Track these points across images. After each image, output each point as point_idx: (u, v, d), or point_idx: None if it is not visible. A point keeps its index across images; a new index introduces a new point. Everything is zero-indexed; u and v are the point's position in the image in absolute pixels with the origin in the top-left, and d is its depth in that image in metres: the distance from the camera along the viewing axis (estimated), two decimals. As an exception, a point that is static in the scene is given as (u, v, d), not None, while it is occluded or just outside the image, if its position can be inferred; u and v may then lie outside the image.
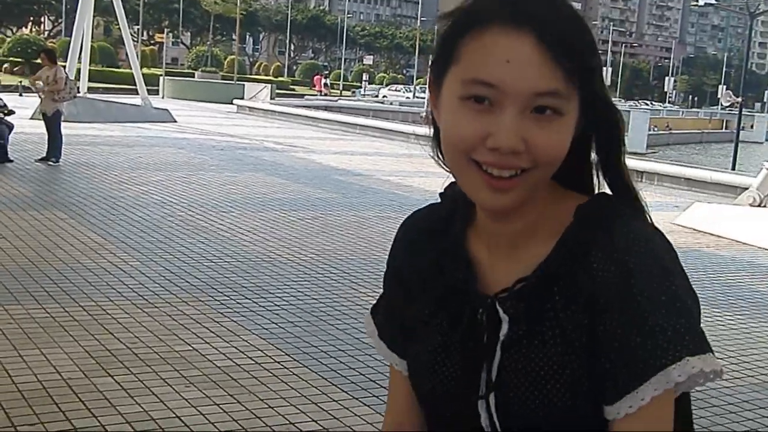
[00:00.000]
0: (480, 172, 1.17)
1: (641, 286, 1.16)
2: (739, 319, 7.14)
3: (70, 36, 24.43)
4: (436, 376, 1.29)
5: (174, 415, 4.41)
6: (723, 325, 6.82)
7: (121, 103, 24.68)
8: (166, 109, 25.61)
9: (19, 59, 48.89)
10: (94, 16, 25.28)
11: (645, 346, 1.16)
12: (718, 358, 1.18)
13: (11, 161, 12.78)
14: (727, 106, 62.58)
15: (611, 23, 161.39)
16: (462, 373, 1.26)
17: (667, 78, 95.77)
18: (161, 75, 44.08)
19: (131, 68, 26.83)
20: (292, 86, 64.93)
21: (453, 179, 1.29)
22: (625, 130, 1.28)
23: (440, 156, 1.28)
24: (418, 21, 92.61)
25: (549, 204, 1.25)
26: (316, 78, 63.58)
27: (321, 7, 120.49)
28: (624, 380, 1.16)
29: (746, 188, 12.74)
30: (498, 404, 1.23)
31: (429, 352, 1.30)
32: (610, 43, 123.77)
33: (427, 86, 1.32)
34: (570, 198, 1.25)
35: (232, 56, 65.13)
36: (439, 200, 1.39)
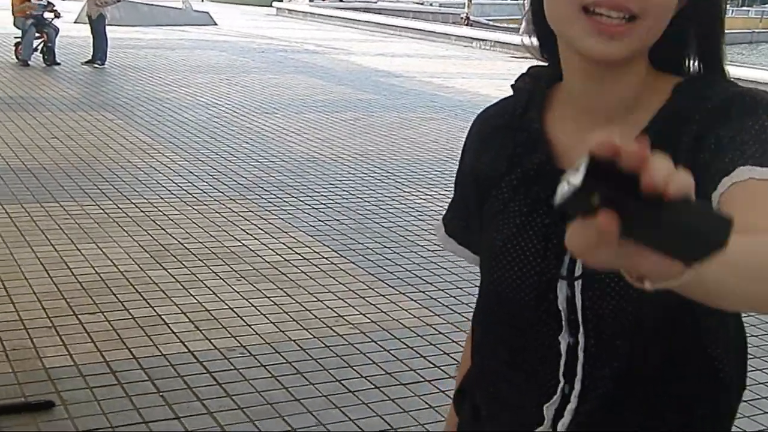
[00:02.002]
0: (590, 20, 1.15)
1: (750, 123, 1.12)
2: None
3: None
4: (512, 259, 1.27)
5: (226, 306, 4.58)
6: None
7: (162, 6, 24.60)
8: (207, 12, 25.50)
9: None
10: None
11: (745, 143, 1.10)
12: None
13: (59, 64, 12.90)
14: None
15: None
16: (541, 255, 1.25)
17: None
18: (200, -23, 43.64)
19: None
20: (331, -12, 63.90)
21: (522, 72, 1.28)
22: (725, 12, 1.24)
23: (535, 26, 1.26)
24: None
25: (647, 82, 1.23)
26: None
27: None
28: (720, 170, 1.10)
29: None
30: (584, 287, 1.21)
31: (506, 236, 1.28)
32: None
33: None
34: (667, 79, 1.24)
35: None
36: (511, 93, 1.36)
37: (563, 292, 1.23)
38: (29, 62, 12.74)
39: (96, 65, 13.09)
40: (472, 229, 1.39)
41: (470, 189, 1.38)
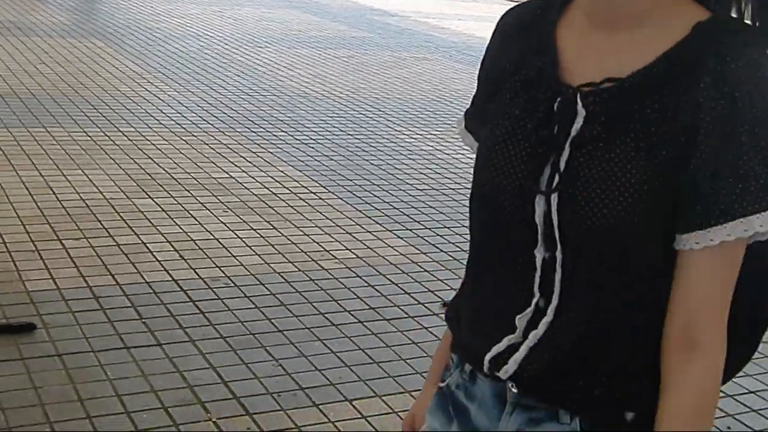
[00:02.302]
0: None
1: (747, 127, 1.12)
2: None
3: None
4: (499, 164, 1.26)
5: (212, 237, 4.56)
6: None
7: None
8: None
9: None
10: None
11: (732, 189, 1.13)
12: None
13: (47, -11, 12.69)
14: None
15: None
16: (526, 163, 1.23)
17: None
18: None
19: None
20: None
21: None
22: None
23: None
24: None
25: (662, 2, 1.19)
26: None
27: None
28: (700, 215, 1.14)
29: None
30: (560, 202, 1.19)
31: (497, 139, 1.27)
32: None
33: None
34: (690, 8, 1.20)
35: None
36: None
37: (540, 205, 1.21)
38: (19, -14, 12.53)
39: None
40: (482, 125, 1.37)
41: (483, 87, 1.36)
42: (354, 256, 4.54)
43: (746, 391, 3.55)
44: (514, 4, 1.37)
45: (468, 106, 1.44)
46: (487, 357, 1.30)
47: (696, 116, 1.13)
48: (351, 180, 5.73)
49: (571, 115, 1.19)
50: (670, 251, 1.18)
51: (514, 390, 1.29)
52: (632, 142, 1.16)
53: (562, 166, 1.19)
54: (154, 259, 4.22)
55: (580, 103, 1.19)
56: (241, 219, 4.85)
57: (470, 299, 1.38)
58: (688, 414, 1.19)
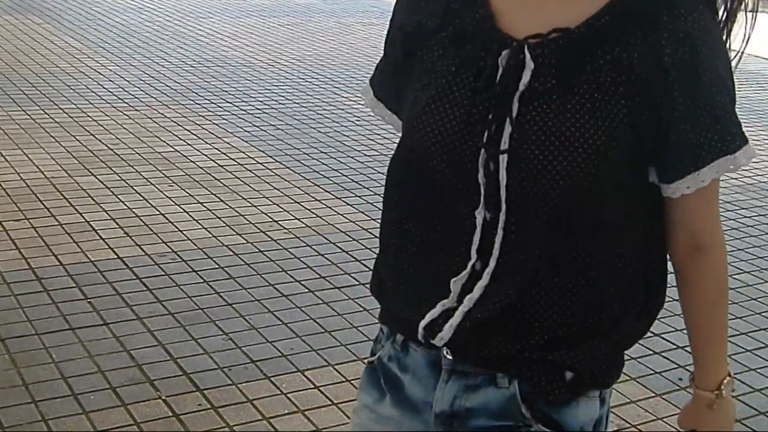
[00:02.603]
0: None
1: (711, 72, 1.14)
2: None
3: None
4: (432, 124, 1.19)
5: (158, 212, 4.48)
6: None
7: None
8: None
9: None
10: None
11: (713, 130, 1.16)
12: None
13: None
14: None
15: None
16: (465, 122, 1.17)
17: None
18: None
19: None
20: None
21: None
22: None
23: None
24: None
25: None
26: None
27: None
28: (688, 163, 1.17)
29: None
30: (510, 160, 1.15)
31: (431, 96, 1.21)
32: None
33: None
34: None
35: None
36: None
37: (485, 165, 1.16)
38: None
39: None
40: (400, 93, 1.30)
41: (399, 49, 1.29)
42: (303, 225, 4.49)
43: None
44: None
45: (373, 74, 1.38)
46: (421, 324, 1.26)
47: (658, 70, 1.12)
48: (298, 149, 5.66)
49: (518, 68, 1.14)
50: (618, 210, 1.18)
51: (449, 357, 1.26)
52: (586, 94, 1.13)
53: (507, 124, 1.14)
54: (98, 238, 4.13)
55: (528, 55, 1.14)
56: (187, 193, 4.77)
57: (397, 267, 1.32)
58: (711, 297, 1.31)
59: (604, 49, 1.13)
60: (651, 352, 3.45)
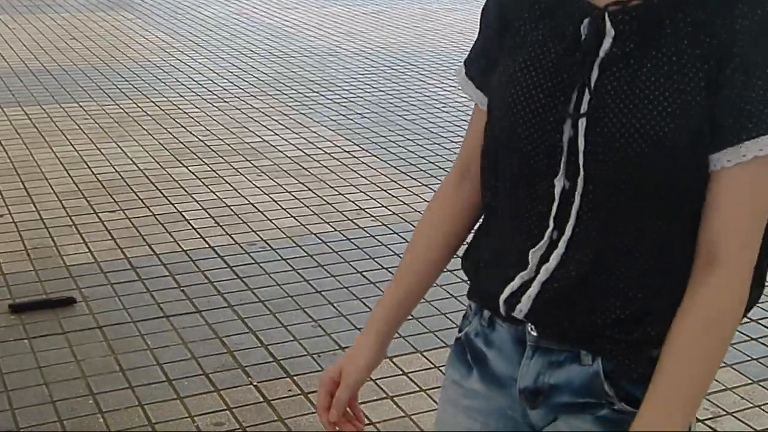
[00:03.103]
0: None
1: None
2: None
3: None
4: (520, 91, 1.21)
5: (247, 202, 4.54)
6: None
7: None
8: None
9: None
10: None
11: (765, 104, 1.10)
12: None
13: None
14: None
15: None
16: (551, 88, 1.19)
17: None
18: None
19: None
20: None
21: None
22: None
23: None
24: None
25: None
26: None
27: None
28: (730, 132, 1.12)
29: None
30: (589, 126, 1.15)
31: (520, 65, 1.22)
32: None
33: None
34: None
35: None
36: None
37: (567, 131, 1.17)
38: (47, -36, 12.55)
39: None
40: (489, 72, 1.32)
41: (494, 25, 1.30)
42: (390, 212, 4.50)
43: None
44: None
45: (468, 54, 1.39)
46: (501, 297, 1.28)
47: (732, 36, 1.10)
48: (385, 136, 5.67)
49: (599, 35, 1.16)
50: (697, 177, 1.15)
51: (534, 333, 1.27)
52: (664, 57, 1.13)
53: (592, 89, 1.15)
54: (190, 227, 4.21)
55: (608, 23, 1.15)
56: (275, 182, 4.82)
57: (484, 243, 1.35)
58: (697, 333, 1.15)
59: (685, 12, 1.12)
60: (748, 338, 3.36)
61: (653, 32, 1.13)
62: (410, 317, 3.43)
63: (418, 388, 3.04)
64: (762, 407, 2.98)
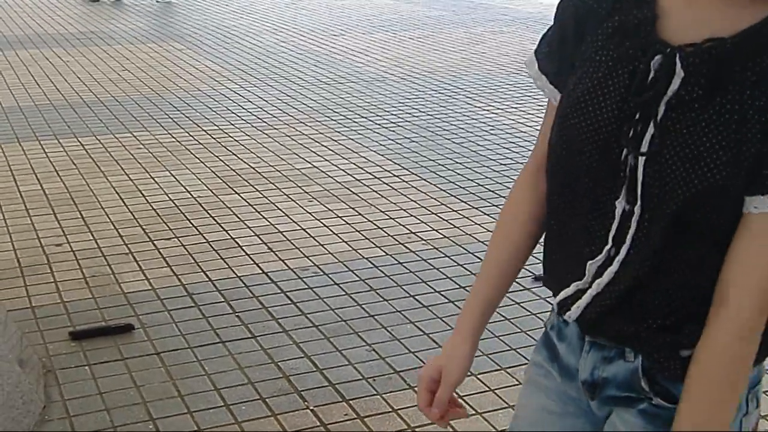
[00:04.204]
0: None
1: None
2: None
3: None
4: (588, 110, 1.25)
5: (299, 227, 4.59)
6: None
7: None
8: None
9: None
10: None
11: None
12: None
13: (125, -3, 12.94)
14: None
15: None
16: (616, 116, 1.22)
17: None
18: None
19: None
20: None
21: None
22: None
23: None
24: None
25: None
26: None
27: None
28: (764, 179, 1.14)
29: None
30: (649, 161, 1.19)
31: (587, 87, 1.26)
32: None
33: None
34: None
35: None
36: None
37: (630, 159, 1.22)
38: (98, -3, 12.82)
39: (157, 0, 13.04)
40: (564, 69, 1.35)
41: (571, 29, 1.33)
42: (441, 236, 4.51)
43: None
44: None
45: (539, 46, 1.42)
46: (556, 300, 1.38)
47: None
48: (433, 160, 5.70)
49: (669, 74, 1.18)
50: (740, 215, 1.19)
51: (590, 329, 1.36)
52: (728, 104, 1.14)
53: (657, 126, 1.19)
54: (244, 253, 4.27)
55: (679, 64, 1.17)
56: (326, 207, 4.87)
57: (551, 247, 1.42)
58: (712, 373, 1.22)
59: (754, 61, 1.13)
60: None
61: (722, 77, 1.15)
62: (492, 335, 3.46)
63: (474, 412, 3.04)
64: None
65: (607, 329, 1.32)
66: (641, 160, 1.20)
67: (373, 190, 5.14)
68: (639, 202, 1.22)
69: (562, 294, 1.36)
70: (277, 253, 4.28)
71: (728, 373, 1.22)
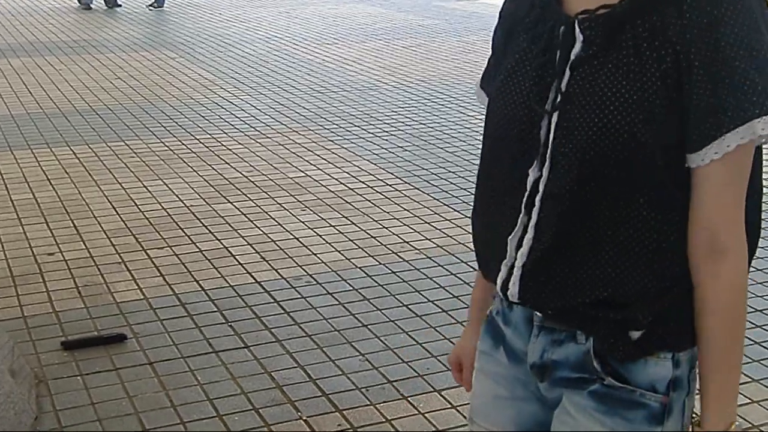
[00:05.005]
0: None
1: (730, 38, 1.20)
2: None
3: None
4: (509, 91, 1.35)
5: (292, 237, 4.59)
6: None
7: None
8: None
9: None
10: None
11: (734, 96, 1.20)
12: None
13: (120, 6, 12.93)
14: None
15: None
16: (533, 88, 1.33)
17: None
18: None
19: None
20: None
21: None
22: None
23: None
24: None
25: None
26: None
27: None
28: (711, 128, 1.22)
29: None
30: (558, 122, 1.29)
31: (508, 70, 1.37)
32: None
33: None
34: None
35: None
36: None
37: (544, 127, 1.31)
38: (91, 5, 12.80)
39: (151, 8, 13.02)
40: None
41: (501, 39, 1.46)
42: (434, 245, 4.51)
43: None
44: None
45: (485, 68, 1.53)
46: (497, 284, 1.41)
47: (682, 34, 1.21)
48: (426, 169, 5.70)
49: (570, 40, 1.30)
50: (667, 170, 1.25)
51: (539, 314, 1.40)
52: (624, 58, 1.25)
53: (563, 88, 1.29)
54: (237, 263, 4.26)
55: (578, 29, 1.29)
56: (319, 216, 4.87)
57: (478, 234, 1.48)
58: (724, 307, 1.29)
59: (643, 18, 1.24)
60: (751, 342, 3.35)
61: (615, 36, 1.26)
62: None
63: (467, 423, 3.03)
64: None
65: (548, 304, 1.36)
66: (553, 126, 1.29)
67: (366, 199, 5.14)
68: (548, 163, 1.30)
69: (498, 279, 1.40)
70: (270, 262, 4.27)
71: (742, 306, 1.31)
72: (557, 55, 1.31)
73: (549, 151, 1.30)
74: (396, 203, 5.09)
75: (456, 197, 5.19)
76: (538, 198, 1.32)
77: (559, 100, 1.29)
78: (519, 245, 1.35)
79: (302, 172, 5.62)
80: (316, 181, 5.45)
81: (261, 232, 4.64)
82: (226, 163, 5.78)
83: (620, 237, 1.28)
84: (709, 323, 1.29)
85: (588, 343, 1.36)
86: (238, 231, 4.65)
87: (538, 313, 1.40)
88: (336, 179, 5.49)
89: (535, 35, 1.35)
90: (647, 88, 1.23)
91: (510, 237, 1.36)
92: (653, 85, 1.23)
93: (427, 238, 4.60)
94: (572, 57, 1.29)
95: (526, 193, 1.33)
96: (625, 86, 1.24)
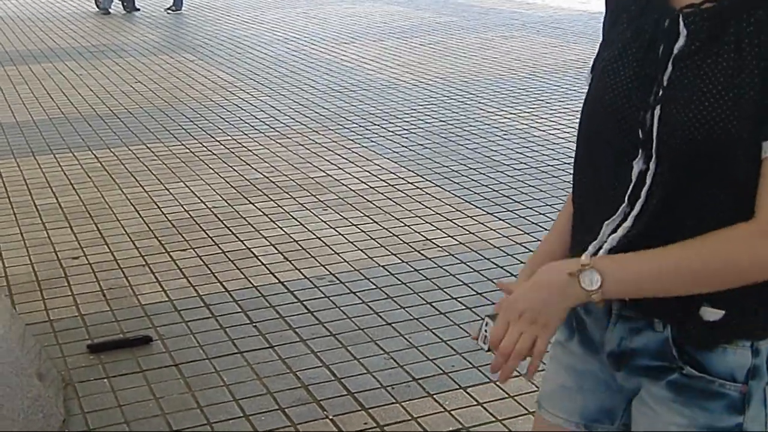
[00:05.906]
0: None
1: None
2: None
3: None
4: (610, 80, 1.37)
5: (314, 236, 4.59)
6: None
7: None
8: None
9: None
10: None
11: None
12: None
13: (138, 10, 13.00)
14: None
15: None
16: (634, 80, 1.34)
17: None
18: None
19: None
20: None
21: None
22: None
23: None
24: None
25: None
26: None
27: None
28: None
29: None
30: (661, 116, 1.29)
31: (610, 58, 1.39)
32: None
33: None
34: None
35: None
36: None
37: (646, 120, 1.32)
38: (110, 10, 12.88)
39: (169, 11, 13.06)
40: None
41: (606, 23, 1.48)
42: (456, 242, 4.51)
43: None
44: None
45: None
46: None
47: None
48: (447, 166, 5.69)
49: (674, 34, 1.30)
50: (754, 164, 1.26)
51: (617, 302, 1.42)
52: (725, 54, 1.26)
53: (665, 82, 1.30)
54: (260, 263, 4.27)
55: (682, 23, 1.30)
56: (341, 216, 4.87)
57: (575, 217, 1.50)
58: (706, 241, 1.29)
59: (749, 12, 1.24)
60: None
61: (718, 31, 1.26)
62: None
63: (493, 419, 3.03)
64: None
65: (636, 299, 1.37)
66: (656, 118, 1.30)
67: (387, 198, 5.14)
68: (654, 157, 1.31)
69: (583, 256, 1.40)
70: (292, 262, 4.28)
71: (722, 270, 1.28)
72: (660, 49, 1.32)
73: (654, 144, 1.31)
74: (417, 201, 5.09)
75: (477, 194, 5.18)
76: (644, 190, 1.33)
77: (660, 94, 1.30)
78: (614, 231, 1.37)
79: (323, 171, 5.63)
80: (337, 180, 5.46)
81: (283, 233, 4.65)
82: (247, 164, 5.80)
83: (702, 227, 1.29)
84: (691, 243, 1.31)
85: (666, 331, 1.37)
86: (261, 232, 4.66)
87: (616, 302, 1.42)
88: (357, 178, 5.49)
89: (639, 27, 1.36)
90: (744, 85, 1.24)
91: (607, 222, 1.38)
92: (751, 81, 1.24)
93: (449, 236, 4.59)
94: (675, 51, 1.30)
95: (631, 185, 1.35)
96: (722, 82, 1.25)
